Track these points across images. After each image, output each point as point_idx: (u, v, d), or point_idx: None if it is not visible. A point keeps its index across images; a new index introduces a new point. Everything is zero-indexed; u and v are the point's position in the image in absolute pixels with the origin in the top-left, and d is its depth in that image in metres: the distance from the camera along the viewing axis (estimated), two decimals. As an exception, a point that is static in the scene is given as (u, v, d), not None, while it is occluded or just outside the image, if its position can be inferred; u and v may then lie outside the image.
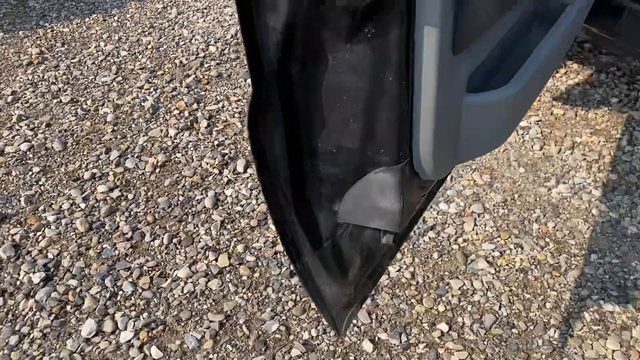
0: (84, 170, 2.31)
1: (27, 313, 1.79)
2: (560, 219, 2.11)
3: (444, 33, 0.78)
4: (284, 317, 1.78)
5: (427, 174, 0.94)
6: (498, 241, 2.03)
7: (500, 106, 0.95)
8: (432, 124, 0.85)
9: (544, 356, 1.68)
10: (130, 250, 1.99)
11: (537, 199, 2.20)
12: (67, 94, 2.75)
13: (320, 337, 1.73)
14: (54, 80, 2.85)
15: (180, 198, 2.19)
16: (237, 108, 2.67)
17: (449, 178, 2.31)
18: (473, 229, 2.08)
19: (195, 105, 2.69)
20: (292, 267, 1.11)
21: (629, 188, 2.23)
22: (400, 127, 0.86)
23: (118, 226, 2.07)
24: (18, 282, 1.88)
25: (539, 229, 2.07)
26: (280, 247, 1.98)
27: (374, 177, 0.92)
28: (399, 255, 1.99)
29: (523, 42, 1.25)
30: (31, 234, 2.05)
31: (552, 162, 2.37)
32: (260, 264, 1.94)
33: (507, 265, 1.95)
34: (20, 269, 1.92)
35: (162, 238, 2.02)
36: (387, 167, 0.90)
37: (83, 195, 2.19)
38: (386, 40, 0.77)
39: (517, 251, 1.99)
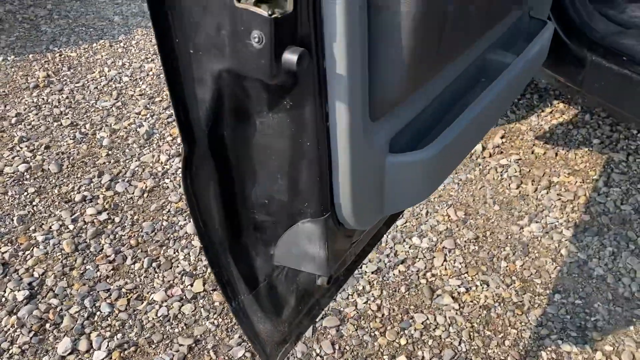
0: (75, 192, 2.43)
1: (9, 329, 1.89)
2: (529, 257, 2.17)
3: (355, 106, 0.88)
4: (250, 344, 1.86)
5: (352, 225, 1.03)
6: (465, 277, 2.10)
7: (421, 166, 1.04)
8: (349, 183, 0.94)
9: (497, 393, 1.73)
10: (112, 272, 2.09)
11: (509, 237, 2.26)
12: (68, 118, 2.89)
13: (283, 365, 1.80)
14: (57, 104, 2.99)
15: (164, 223, 2.30)
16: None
17: (424, 212, 2.38)
18: (442, 265, 2.15)
19: (188, 132, 2.80)
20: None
21: (600, 229, 2.28)
22: (321, 185, 0.95)
23: (102, 248, 2.18)
24: (3, 299, 1.99)
25: (506, 266, 2.14)
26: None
27: (302, 226, 1.01)
28: (367, 287, 2.06)
29: (468, 95, 1.34)
30: (20, 253, 2.16)
31: (527, 201, 2.43)
32: (233, 290, 2.03)
33: (471, 301, 2.01)
34: (7, 287, 2.03)
35: (143, 262, 2.12)
36: (312, 219, 0.99)
37: (72, 217, 2.30)
38: (302, 111, 0.86)
39: (482, 288, 2.06)
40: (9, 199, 2.40)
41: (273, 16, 0.73)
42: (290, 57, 0.77)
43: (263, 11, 0.73)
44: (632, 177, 2.54)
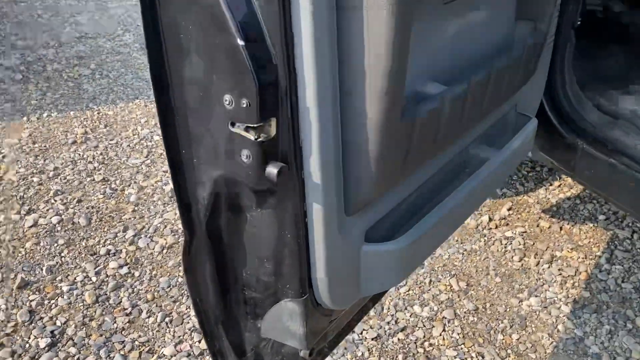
0: (101, 246, 2.61)
1: (29, 375, 2.04)
2: (525, 331, 2.24)
3: (330, 206, 1.02)
4: (250, 403, 1.96)
5: (329, 305, 1.16)
6: (462, 348, 2.17)
7: (394, 256, 1.17)
8: (325, 269, 1.08)
9: None
10: (127, 324, 2.24)
11: (507, 309, 2.33)
12: (100, 173, 3.12)
13: None
14: (91, 160, 3.23)
15: (180, 279, 2.45)
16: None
17: (427, 281, 2.48)
18: (441, 334, 2.23)
19: (209, 192, 2.98)
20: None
21: (598, 307, 2.33)
22: (300, 271, 1.08)
23: (121, 301, 2.33)
24: (27, 345, 2.15)
25: (503, 339, 2.20)
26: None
27: (284, 305, 1.15)
28: (366, 354, 2.15)
29: (452, 185, 1.47)
30: (46, 302, 2.33)
31: (528, 274, 2.50)
32: (238, 349, 2.15)
33: (466, 373, 2.08)
34: (31, 334, 2.19)
35: (157, 316, 2.27)
36: (293, 299, 1.13)
37: (96, 270, 2.48)
38: (284, 209, 1.01)
39: (477, 360, 2.12)
40: (40, 249, 2.60)
41: (259, 140, 0.90)
42: (271, 170, 0.93)
43: (251, 136, 0.90)
44: (635, 255, 2.60)
